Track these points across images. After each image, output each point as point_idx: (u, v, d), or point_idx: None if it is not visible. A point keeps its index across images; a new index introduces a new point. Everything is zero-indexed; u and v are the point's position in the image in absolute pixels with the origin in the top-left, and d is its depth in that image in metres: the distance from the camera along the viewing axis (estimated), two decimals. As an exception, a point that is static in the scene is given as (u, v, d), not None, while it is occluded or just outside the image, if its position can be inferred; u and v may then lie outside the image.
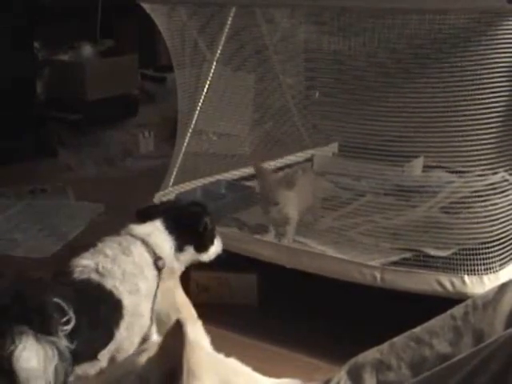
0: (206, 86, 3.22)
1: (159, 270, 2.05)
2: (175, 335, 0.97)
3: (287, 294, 2.87)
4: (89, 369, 1.87)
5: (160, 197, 3.14)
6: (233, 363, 1.13)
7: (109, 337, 1.91)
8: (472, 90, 2.36)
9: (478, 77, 2.35)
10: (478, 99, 2.35)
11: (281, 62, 3.50)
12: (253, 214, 3.01)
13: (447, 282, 2.35)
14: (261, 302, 2.87)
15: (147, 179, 3.93)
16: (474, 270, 2.35)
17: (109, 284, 1.92)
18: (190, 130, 3.22)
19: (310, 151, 3.54)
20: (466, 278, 2.34)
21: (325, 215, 2.94)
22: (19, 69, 4.90)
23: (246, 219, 2.96)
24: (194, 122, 3.22)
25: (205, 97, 3.23)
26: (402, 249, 2.59)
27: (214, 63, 3.21)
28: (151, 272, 2.03)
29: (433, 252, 2.52)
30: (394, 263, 2.50)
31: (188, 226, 2.15)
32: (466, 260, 2.36)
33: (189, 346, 0.96)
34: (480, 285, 2.32)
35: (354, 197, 3.07)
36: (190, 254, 2.16)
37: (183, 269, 2.19)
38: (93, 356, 1.87)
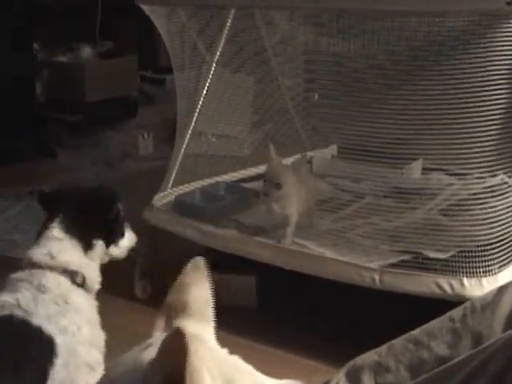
0: (206, 88, 3.22)
1: (82, 283, 1.88)
2: (175, 344, 0.97)
3: (286, 296, 2.87)
4: None
5: (159, 198, 3.14)
6: (236, 361, 1.13)
7: (42, 377, 1.74)
8: (471, 92, 2.36)
9: (477, 79, 2.35)
10: (477, 101, 2.35)
11: (280, 63, 3.50)
12: (252, 216, 3.01)
13: (446, 284, 2.35)
14: (259, 303, 2.87)
15: (146, 181, 3.93)
16: (473, 272, 2.35)
17: (35, 321, 1.75)
18: (190, 132, 3.22)
19: (309, 153, 3.54)
20: (465, 280, 2.34)
21: (324, 217, 2.94)
22: (19, 69, 4.90)
23: (245, 221, 2.96)
24: (193, 123, 3.22)
25: (204, 98, 3.23)
26: (401, 251, 2.59)
27: (214, 65, 3.21)
28: (76, 295, 1.86)
29: (432, 254, 2.52)
30: (393, 265, 2.50)
31: (94, 215, 1.93)
32: (465, 262, 2.36)
33: (192, 353, 0.96)
34: (479, 287, 2.32)
35: (353, 199, 3.07)
36: (100, 249, 1.96)
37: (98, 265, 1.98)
38: None
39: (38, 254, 1.87)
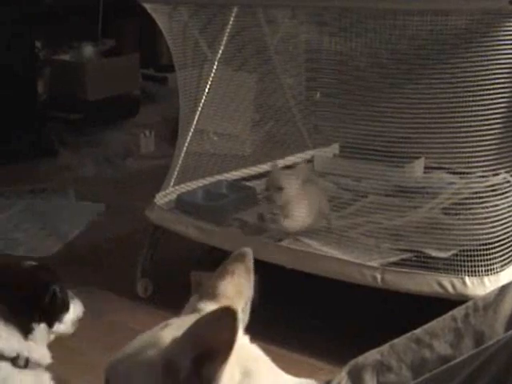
0: (207, 86, 3.22)
1: (26, 365, 1.80)
2: (221, 320, 0.95)
3: (288, 295, 2.87)
4: None
5: (161, 197, 3.14)
6: (255, 351, 1.12)
7: None
8: (473, 90, 2.35)
9: (479, 78, 2.35)
10: (480, 100, 2.35)
11: (282, 62, 3.49)
12: (254, 214, 3.00)
13: (448, 283, 2.35)
14: (261, 302, 2.87)
15: (148, 179, 3.94)
16: (475, 271, 2.35)
17: None
18: (191, 130, 3.22)
19: (311, 152, 3.54)
20: (467, 279, 2.34)
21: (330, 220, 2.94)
22: (20, 68, 4.90)
23: (247, 219, 2.96)
24: (195, 121, 3.21)
25: (206, 97, 3.22)
26: (403, 250, 2.59)
27: (216, 63, 3.21)
28: (20, 377, 1.80)
29: (434, 253, 2.52)
30: (395, 264, 2.50)
31: (29, 299, 1.83)
32: (467, 261, 2.36)
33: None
34: (481, 286, 2.31)
35: (355, 197, 3.07)
36: (41, 331, 1.86)
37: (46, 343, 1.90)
38: None
39: None
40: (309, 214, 2.75)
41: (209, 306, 1.12)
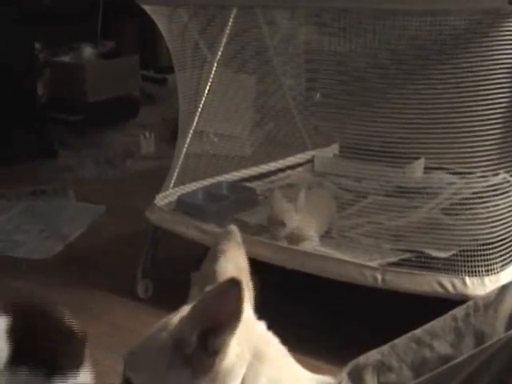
0: (207, 87, 3.22)
1: None
2: (226, 292, 0.96)
3: (288, 295, 2.87)
4: None
5: (161, 198, 3.14)
6: (267, 335, 1.13)
7: None
8: (473, 91, 2.35)
9: (479, 78, 2.35)
10: (480, 100, 2.35)
11: (281, 63, 3.50)
12: (254, 215, 3.01)
13: (448, 283, 2.35)
14: (261, 303, 2.87)
15: (148, 180, 3.93)
16: (475, 271, 2.35)
17: None
18: (191, 131, 3.22)
19: (311, 152, 3.54)
20: (467, 279, 2.34)
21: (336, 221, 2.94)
22: (20, 69, 4.90)
23: (247, 220, 2.96)
24: (194, 123, 3.21)
25: (206, 98, 3.23)
26: (403, 250, 2.59)
27: (215, 64, 3.21)
28: None
29: (434, 253, 2.52)
30: (395, 264, 2.50)
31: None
32: (467, 261, 2.36)
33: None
34: (481, 286, 2.31)
35: (355, 198, 3.07)
36: None
37: None
38: None
39: None
40: (319, 225, 2.76)
41: None
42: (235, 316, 0.96)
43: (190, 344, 1.01)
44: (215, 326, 0.98)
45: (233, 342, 1.00)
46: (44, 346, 1.67)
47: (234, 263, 1.19)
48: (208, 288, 1.10)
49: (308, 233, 2.72)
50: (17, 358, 1.63)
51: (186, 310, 1.08)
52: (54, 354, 1.69)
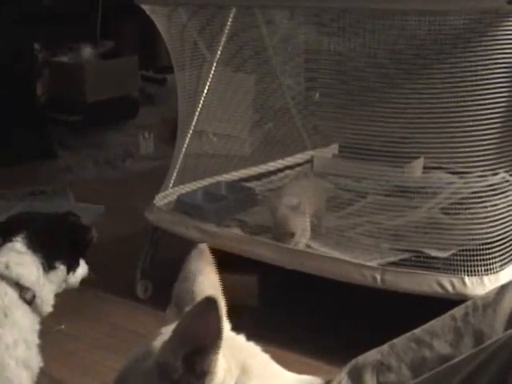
0: (206, 87, 3.22)
1: (31, 302, 1.83)
2: (205, 312, 0.95)
3: (288, 295, 2.87)
4: None
5: (161, 198, 3.14)
6: (251, 347, 1.12)
7: None
8: (472, 90, 2.36)
9: (478, 77, 2.35)
10: (478, 100, 2.35)
11: (281, 62, 3.50)
12: (254, 215, 3.01)
13: (447, 282, 2.35)
14: (261, 303, 2.87)
15: (147, 180, 3.93)
16: (475, 270, 2.35)
17: None
18: (191, 131, 3.22)
19: (310, 152, 3.54)
20: (467, 278, 2.34)
21: (326, 216, 2.94)
22: (19, 70, 4.90)
23: (247, 220, 2.96)
24: (194, 123, 3.22)
25: (205, 98, 3.23)
26: (403, 250, 2.59)
27: (214, 64, 3.21)
28: (20, 311, 1.81)
29: (433, 253, 2.52)
30: (395, 264, 2.50)
31: (64, 238, 1.91)
32: (467, 261, 2.36)
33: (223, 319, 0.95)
34: (480, 286, 2.31)
35: (354, 198, 3.07)
36: (61, 273, 1.91)
37: (56, 291, 1.93)
38: None
39: None
40: (308, 221, 2.76)
41: None
42: (217, 335, 0.96)
43: (176, 369, 0.99)
44: (199, 348, 0.97)
45: (220, 359, 0.99)
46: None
47: (211, 283, 1.19)
48: (186, 309, 1.08)
49: (306, 232, 2.72)
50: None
51: (165, 332, 1.07)
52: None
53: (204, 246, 1.23)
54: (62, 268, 1.91)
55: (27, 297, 1.83)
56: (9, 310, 1.79)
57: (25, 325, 1.82)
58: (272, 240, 2.74)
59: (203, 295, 1.13)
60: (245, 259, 2.78)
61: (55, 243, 1.89)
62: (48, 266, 1.87)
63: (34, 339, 1.86)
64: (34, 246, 1.85)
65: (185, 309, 1.14)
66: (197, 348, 0.97)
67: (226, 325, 1.14)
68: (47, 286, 1.88)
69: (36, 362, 1.85)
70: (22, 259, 1.84)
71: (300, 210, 2.68)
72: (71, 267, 1.94)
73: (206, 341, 0.96)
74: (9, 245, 1.86)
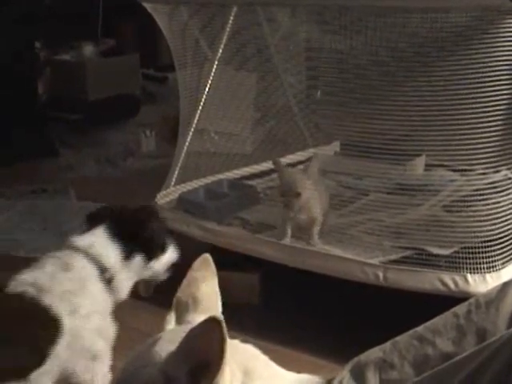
0: (208, 85, 3.22)
1: (109, 282, 1.95)
2: (209, 332, 0.96)
3: (289, 293, 2.87)
4: None
5: (162, 196, 3.14)
6: (251, 349, 1.13)
7: (41, 355, 1.80)
8: (474, 88, 2.35)
9: (479, 75, 2.35)
10: (480, 97, 2.35)
11: (282, 60, 3.50)
12: (256, 213, 3.01)
13: (450, 280, 2.35)
14: (263, 301, 2.87)
15: (149, 179, 3.93)
16: (477, 268, 2.35)
17: (46, 300, 1.82)
18: (192, 130, 3.22)
19: (312, 150, 3.54)
20: (469, 276, 2.34)
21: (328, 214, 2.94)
22: (20, 68, 4.90)
23: (248, 218, 2.96)
24: (195, 121, 3.22)
25: (206, 96, 3.23)
26: (405, 247, 2.59)
27: (216, 62, 3.21)
28: (97, 286, 1.93)
29: (435, 250, 2.52)
30: (397, 262, 2.50)
31: (132, 232, 2.01)
32: (469, 258, 2.36)
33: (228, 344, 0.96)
34: (483, 283, 2.31)
35: (356, 195, 3.07)
36: (138, 263, 2.02)
37: (133, 282, 2.04)
38: (20, 375, 1.78)
39: (80, 240, 1.99)
40: (320, 210, 2.74)
41: (197, 318, 1.13)
42: (220, 354, 0.97)
43: (181, 382, 1.01)
44: (203, 364, 0.98)
45: (225, 372, 1.00)
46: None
47: (213, 291, 1.20)
48: (187, 316, 1.13)
49: (316, 209, 2.69)
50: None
51: (166, 338, 1.08)
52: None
53: (208, 256, 1.25)
54: (137, 258, 2.01)
55: (106, 276, 1.95)
56: (86, 281, 1.91)
57: (99, 299, 1.94)
58: (269, 238, 2.74)
59: (205, 304, 1.14)
60: (246, 257, 2.78)
61: (134, 234, 2.00)
62: (127, 255, 1.99)
63: (107, 311, 1.97)
64: (115, 235, 1.98)
65: (185, 315, 1.15)
66: (201, 364, 0.98)
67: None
68: (125, 272, 1.99)
69: (111, 331, 1.96)
70: (105, 243, 1.97)
71: (307, 174, 2.66)
72: (151, 256, 2.04)
73: (209, 359, 0.97)
74: (93, 230, 2.00)
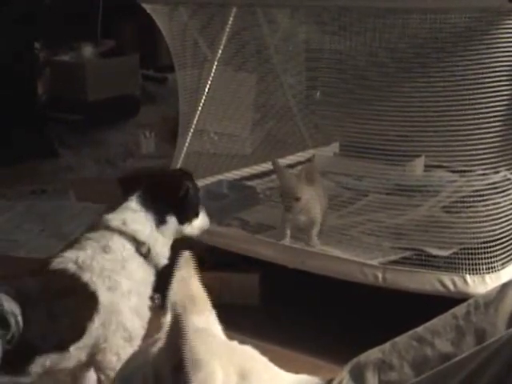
0: (207, 86, 3.22)
1: (146, 255, 2.00)
2: (176, 327, 0.98)
3: (289, 294, 2.87)
4: (60, 361, 1.85)
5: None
6: (249, 350, 1.13)
7: (80, 329, 1.86)
8: (473, 88, 2.36)
9: (479, 76, 2.35)
10: (480, 98, 2.35)
11: (282, 61, 3.50)
12: (255, 214, 3.01)
13: (449, 281, 2.35)
14: (262, 301, 2.87)
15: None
16: (476, 269, 2.35)
17: (86, 277, 1.88)
18: (192, 130, 3.22)
19: (311, 151, 3.54)
20: (468, 277, 2.34)
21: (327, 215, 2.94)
22: (20, 69, 4.90)
23: (248, 219, 2.96)
24: (195, 121, 3.22)
25: (206, 97, 3.23)
26: (404, 248, 2.59)
27: (215, 63, 3.21)
28: (136, 263, 1.98)
29: (434, 251, 2.52)
30: (396, 263, 2.50)
31: (167, 192, 2.06)
32: (468, 259, 2.36)
33: (193, 336, 0.97)
34: (482, 284, 2.31)
35: (356, 196, 3.07)
36: (173, 226, 2.06)
37: (170, 243, 2.08)
38: (60, 347, 1.83)
39: (113, 219, 2.00)
40: (320, 211, 2.74)
41: (195, 318, 1.13)
42: (184, 358, 0.98)
43: (166, 376, 1.02)
44: (181, 364, 0.99)
45: (217, 368, 1.00)
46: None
47: (200, 287, 1.21)
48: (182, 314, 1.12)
49: (315, 210, 2.70)
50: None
51: (162, 338, 1.09)
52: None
53: (188, 253, 1.25)
54: (172, 221, 2.05)
55: (143, 250, 1.99)
56: (126, 262, 1.96)
57: (139, 277, 1.99)
58: (269, 239, 2.74)
59: (201, 301, 1.15)
60: (246, 258, 2.78)
61: (165, 199, 2.04)
62: (160, 221, 2.02)
63: (147, 291, 2.03)
64: (147, 203, 2.01)
65: (184, 316, 1.16)
66: (180, 363, 0.99)
67: (219, 329, 1.15)
68: (161, 239, 2.03)
69: (146, 312, 2.01)
70: (136, 216, 2.00)
71: (307, 180, 2.67)
72: (182, 219, 2.07)
73: (182, 359, 0.98)
74: (125, 204, 2.02)
